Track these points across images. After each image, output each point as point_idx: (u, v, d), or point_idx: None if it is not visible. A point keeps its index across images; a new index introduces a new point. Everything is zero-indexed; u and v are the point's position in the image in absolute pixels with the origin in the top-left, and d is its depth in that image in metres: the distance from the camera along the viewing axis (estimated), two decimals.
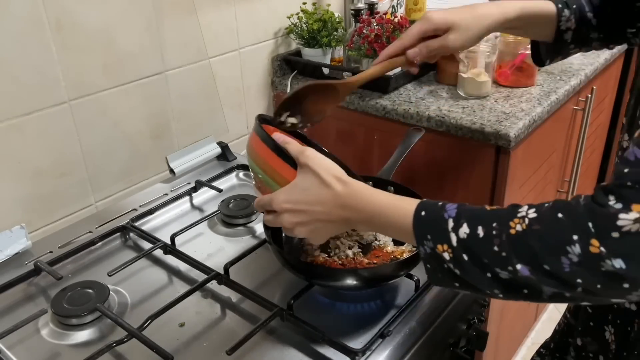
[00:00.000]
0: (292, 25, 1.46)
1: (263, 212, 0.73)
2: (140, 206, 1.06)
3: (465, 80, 1.28)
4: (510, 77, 1.33)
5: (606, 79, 1.71)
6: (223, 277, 0.84)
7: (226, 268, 0.84)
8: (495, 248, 0.53)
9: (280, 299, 0.81)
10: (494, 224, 0.54)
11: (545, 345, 0.92)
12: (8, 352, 0.74)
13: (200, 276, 0.86)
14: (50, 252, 0.94)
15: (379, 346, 0.73)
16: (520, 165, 1.24)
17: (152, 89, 1.19)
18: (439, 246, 0.56)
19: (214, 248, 0.96)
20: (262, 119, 0.78)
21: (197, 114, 1.32)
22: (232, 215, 1.01)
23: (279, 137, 0.72)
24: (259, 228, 1.01)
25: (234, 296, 0.83)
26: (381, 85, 1.34)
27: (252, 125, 0.77)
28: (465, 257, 0.55)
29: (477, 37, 0.79)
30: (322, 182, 0.65)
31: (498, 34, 1.53)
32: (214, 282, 0.84)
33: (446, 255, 0.56)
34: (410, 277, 0.81)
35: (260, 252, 0.90)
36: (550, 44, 0.84)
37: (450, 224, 0.56)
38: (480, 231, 0.54)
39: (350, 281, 0.76)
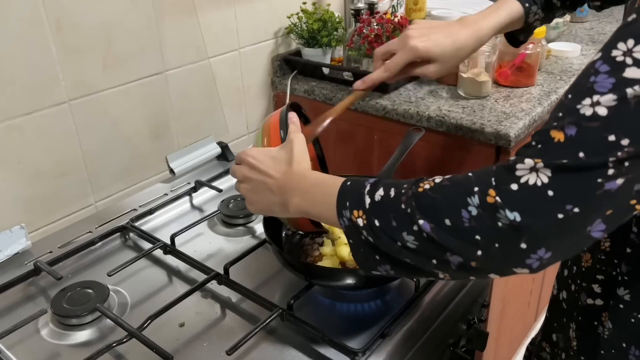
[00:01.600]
0: (292, 25, 1.46)
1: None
2: (140, 206, 1.06)
3: (465, 80, 1.28)
4: (510, 77, 1.33)
5: None
6: (223, 277, 0.84)
7: (226, 268, 0.84)
8: (402, 206, 0.54)
9: (280, 299, 0.81)
10: (405, 185, 0.55)
11: (532, 341, 0.93)
12: (8, 352, 0.74)
13: (200, 276, 0.86)
14: (50, 252, 0.94)
15: (379, 346, 0.73)
16: None
17: (152, 89, 1.19)
18: (355, 212, 0.58)
19: (214, 248, 0.96)
20: (293, 106, 0.84)
21: (197, 114, 1.32)
22: (232, 215, 1.01)
23: (292, 115, 0.79)
24: (259, 228, 1.01)
25: (234, 296, 0.83)
26: (381, 85, 1.33)
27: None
28: (376, 222, 0.56)
29: (453, 67, 0.86)
30: (290, 160, 0.69)
31: None
32: (214, 282, 0.84)
33: (360, 222, 0.57)
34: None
35: (260, 252, 0.90)
36: (519, 30, 0.90)
37: (367, 188, 0.58)
38: (392, 192, 0.56)
39: (350, 281, 0.76)
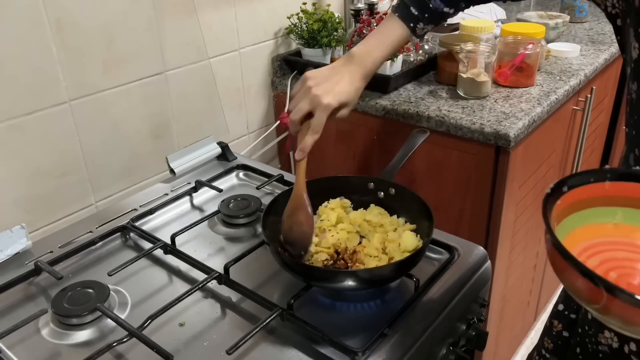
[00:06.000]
0: (292, 26, 1.46)
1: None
2: (140, 206, 1.06)
3: (465, 80, 1.29)
4: (509, 77, 1.33)
5: (606, 79, 1.71)
6: (223, 277, 0.84)
7: (226, 268, 0.85)
8: None
9: (280, 299, 0.81)
10: None
11: (536, 349, 0.93)
12: (8, 352, 0.74)
13: (200, 276, 0.86)
14: (51, 252, 0.94)
15: (379, 346, 0.73)
16: (519, 165, 1.24)
17: (152, 89, 1.19)
18: None
19: (214, 248, 0.96)
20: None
21: (197, 114, 1.32)
22: (232, 215, 1.01)
23: None
24: (259, 228, 1.01)
25: (234, 296, 0.83)
26: (381, 85, 1.34)
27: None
28: None
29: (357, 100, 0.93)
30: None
31: (498, 34, 1.53)
32: (214, 282, 0.84)
33: None
34: (410, 277, 0.81)
35: (260, 251, 0.90)
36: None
37: None
38: None
39: (349, 283, 0.76)
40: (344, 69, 0.91)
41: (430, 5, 0.92)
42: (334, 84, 0.88)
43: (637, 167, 0.71)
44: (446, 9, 0.93)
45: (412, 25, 0.92)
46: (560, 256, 0.49)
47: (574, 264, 0.48)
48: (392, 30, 0.93)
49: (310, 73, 0.90)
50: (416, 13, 0.92)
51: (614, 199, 0.60)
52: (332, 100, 0.87)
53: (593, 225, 0.60)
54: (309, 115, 0.87)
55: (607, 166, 0.75)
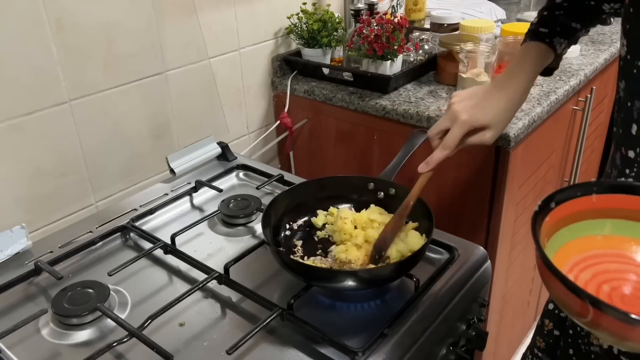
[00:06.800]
0: (292, 26, 1.46)
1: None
2: (140, 206, 1.06)
3: (465, 80, 1.28)
4: None
5: (605, 79, 1.71)
6: (223, 277, 0.84)
7: (226, 268, 0.85)
8: None
9: (280, 299, 0.81)
10: None
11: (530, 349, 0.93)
12: (8, 352, 0.74)
13: (200, 276, 0.86)
14: (51, 252, 0.94)
15: (379, 346, 0.73)
16: (519, 165, 1.24)
17: (152, 89, 1.19)
18: None
19: (214, 248, 0.96)
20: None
21: (197, 114, 1.32)
22: (232, 215, 1.01)
23: None
24: (259, 228, 1.01)
25: (234, 296, 0.83)
26: (381, 85, 1.34)
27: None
28: None
29: (505, 127, 0.89)
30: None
31: (498, 34, 1.53)
32: (214, 282, 0.84)
33: None
34: (410, 277, 0.81)
35: (260, 251, 0.90)
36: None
37: None
38: None
39: (349, 283, 0.76)
40: (490, 89, 0.89)
41: (560, 19, 0.90)
42: (476, 101, 0.86)
43: (623, 174, 0.71)
44: (574, 24, 0.91)
45: (547, 40, 0.89)
46: (548, 272, 0.50)
47: (561, 279, 0.48)
48: (529, 50, 0.90)
49: (457, 92, 0.89)
50: (547, 30, 0.90)
51: (602, 212, 0.60)
52: (470, 118, 0.85)
53: (583, 239, 0.60)
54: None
55: (592, 179, 0.76)
